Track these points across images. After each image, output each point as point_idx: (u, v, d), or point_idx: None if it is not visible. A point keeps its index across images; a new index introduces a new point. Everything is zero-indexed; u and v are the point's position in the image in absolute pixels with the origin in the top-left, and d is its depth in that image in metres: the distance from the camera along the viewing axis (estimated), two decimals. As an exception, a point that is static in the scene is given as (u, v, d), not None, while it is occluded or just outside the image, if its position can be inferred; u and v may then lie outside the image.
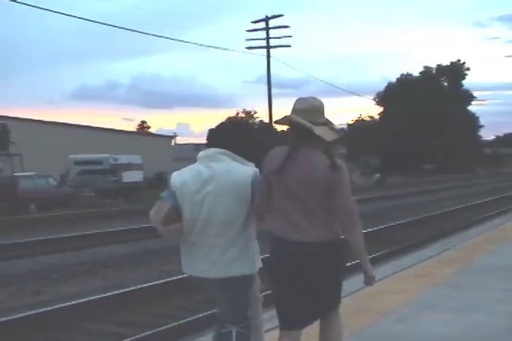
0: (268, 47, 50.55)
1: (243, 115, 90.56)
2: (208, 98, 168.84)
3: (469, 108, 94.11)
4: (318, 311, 4.23)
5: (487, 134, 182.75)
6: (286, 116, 4.23)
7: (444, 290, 8.16)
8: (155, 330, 8.39)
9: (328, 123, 4.18)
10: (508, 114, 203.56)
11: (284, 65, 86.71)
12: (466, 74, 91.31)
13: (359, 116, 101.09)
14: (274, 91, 53.15)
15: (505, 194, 37.90)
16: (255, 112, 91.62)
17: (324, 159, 4.03)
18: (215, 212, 4.23)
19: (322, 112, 4.17)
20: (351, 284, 8.78)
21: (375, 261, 13.06)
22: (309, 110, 4.11)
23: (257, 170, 4.36)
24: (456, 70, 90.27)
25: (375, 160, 78.25)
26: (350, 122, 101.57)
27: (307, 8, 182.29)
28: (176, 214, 4.29)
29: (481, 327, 6.34)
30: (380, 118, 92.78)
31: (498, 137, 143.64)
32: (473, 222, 21.24)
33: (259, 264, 4.35)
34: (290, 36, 50.93)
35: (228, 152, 4.35)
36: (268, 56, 50.55)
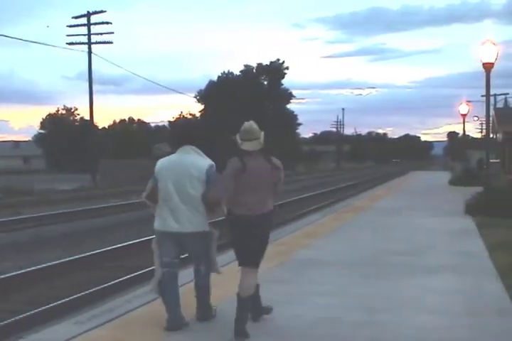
0: (89, 43, 49.72)
1: (64, 112, 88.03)
2: (28, 94, 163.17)
3: (288, 106, 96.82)
4: (252, 254, 6.41)
5: (305, 132, 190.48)
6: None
7: (263, 284, 8.54)
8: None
9: (258, 137, 6.42)
10: (324, 113, 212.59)
11: (106, 61, 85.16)
12: (285, 74, 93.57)
13: (180, 113, 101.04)
14: (95, 88, 52.53)
15: (321, 190, 39.69)
16: (76, 109, 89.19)
17: (264, 159, 6.44)
18: (179, 185, 6.46)
19: (253, 131, 6.44)
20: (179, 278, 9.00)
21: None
22: (245, 130, 6.47)
23: (212, 163, 6.64)
24: (276, 69, 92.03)
25: None
26: (172, 119, 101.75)
27: (129, 6, 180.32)
28: (153, 191, 6.67)
29: (300, 319, 6.75)
30: (201, 115, 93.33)
31: (315, 135, 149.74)
32: (291, 218, 21.88)
33: (207, 224, 6.54)
34: (112, 33, 50.43)
35: (195, 148, 6.70)
36: (89, 52, 49.72)
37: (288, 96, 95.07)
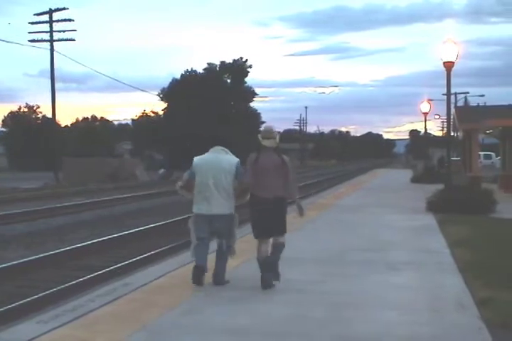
0: (51, 40, 49.16)
1: (26, 110, 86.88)
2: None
3: (252, 105, 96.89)
4: (274, 230, 8.34)
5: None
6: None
7: (231, 281, 8.55)
8: None
9: (274, 137, 8.48)
10: (288, 111, 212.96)
11: (68, 59, 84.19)
12: (248, 72, 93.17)
13: (143, 111, 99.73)
14: (58, 85, 51.98)
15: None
16: (38, 107, 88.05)
17: (276, 154, 8.36)
18: (217, 179, 8.34)
19: (272, 131, 8.59)
20: (141, 277, 8.99)
21: (159, 256, 13.29)
22: (265, 131, 8.65)
23: (238, 159, 8.55)
24: (239, 68, 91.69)
25: (160, 155, 77.82)
26: (135, 117, 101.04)
27: (92, 3, 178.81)
28: (189, 183, 8.57)
29: (265, 317, 6.78)
30: (164, 113, 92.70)
31: (278, 133, 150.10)
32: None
33: (233, 208, 8.44)
34: (74, 30, 49.93)
35: (224, 148, 8.70)
36: (51, 50, 49.13)
37: (251, 94, 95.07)
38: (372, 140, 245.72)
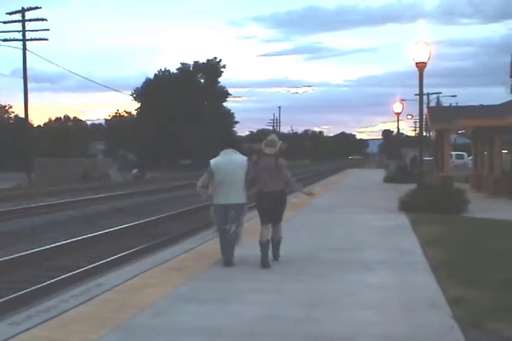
0: (24, 39, 48.80)
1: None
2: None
3: (225, 104, 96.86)
4: (274, 218, 10.24)
5: (242, 130, 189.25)
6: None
7: (201, 283, 8.59)
8: None
9: (275, 145, 10.22)
10: (261, 111, 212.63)
11: (41, 58, 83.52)
12: (222, 72, 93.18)
13: (116, 111, 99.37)
14: (30, 85, 51.50)
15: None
16: (10, 106, 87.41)
17: (274, 159, 10.09)
18: (232, 176, 9.99)
19: (274, 141, 10.23)
20: (114, 278, 8.96)
21: (133, 257, 13.32)
22: (268, 140, 10.27)
23: (246, 158, 10.28)
24: (213, 68, 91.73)
25: (133, 155, 77.40)
26: (108, 117, 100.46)
27: (65, 2, 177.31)
28: (208, 183, 10.13)
29: (237, 317, 6.78)
30: (137, 113, 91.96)
31: (251, 133, 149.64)
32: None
33: (246, 199, 10.21)
34: (47, 29, 49.63)
35: (234, 150, 10.29)
36: (24, 49, 48.82)
37: (224, 94, 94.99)
38: (346, 140, 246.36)
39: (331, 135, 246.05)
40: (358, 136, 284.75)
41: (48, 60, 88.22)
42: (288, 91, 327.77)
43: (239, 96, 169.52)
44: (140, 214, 23.01)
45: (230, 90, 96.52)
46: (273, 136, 10.49)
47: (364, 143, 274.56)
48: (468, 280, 8.68)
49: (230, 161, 10.15)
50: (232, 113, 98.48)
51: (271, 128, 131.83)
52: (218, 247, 10.38)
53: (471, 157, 38.15)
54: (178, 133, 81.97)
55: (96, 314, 6.68)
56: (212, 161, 10.27)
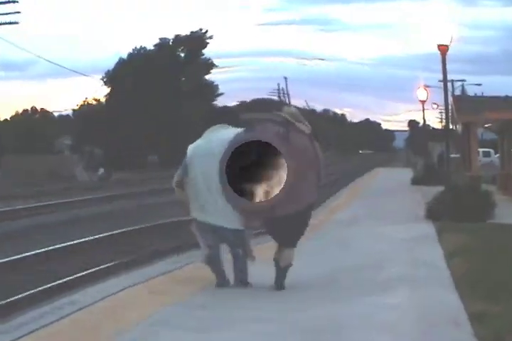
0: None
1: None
2: None
3: (210, 77, 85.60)
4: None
5: (229, 102, 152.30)
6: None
7: (183, 309, 7.74)
8: None
9: (304, 122, 7.75)
10: (260, 81, 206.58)
11: (11, 44, 74.97)
12: (207, 43, 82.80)
13: (85, 99, 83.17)
14: (-1, 73, 48.80)
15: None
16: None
17: (309, 140, 7.83)
18: (212, 176, 7.26)
19: (300, 116, 7.73)
20: (86, 297, 8.26)
21: (104, 274, 12.30)
22: (291, 113, 7.71)
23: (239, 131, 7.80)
24: (196, 39, 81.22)
25: (100, 150, 62.39)
26: (76, 107, 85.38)
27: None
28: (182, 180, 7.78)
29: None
30: (106, 100, 78.61)
31: (242, 102, 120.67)
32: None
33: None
34: (18, 12, 47.28)
35: (227, 124, 7.59)
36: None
37: (209, 66, 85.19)
38: (372, 129, 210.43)
39: (355, 121, 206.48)
40: (384, 126, 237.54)
41: (15, 45, 74.14)
42: (296, 62, 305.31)
43: (228, 67, 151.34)
44: (105, 226, 20.29)
45: (220, 61, 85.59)
46: (293, 109, 8.08)
47: (391, 135, 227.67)
48: (494, 295, 8.25)
49: (211, 147, 7.13)
50: (216, 85, 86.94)
51: (272, 97, 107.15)
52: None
53: (497, 154, 36.41)
54: (152, 122, 70.17)
55: (91, 321, 6.28)
56: (190, 146, 7.28)
